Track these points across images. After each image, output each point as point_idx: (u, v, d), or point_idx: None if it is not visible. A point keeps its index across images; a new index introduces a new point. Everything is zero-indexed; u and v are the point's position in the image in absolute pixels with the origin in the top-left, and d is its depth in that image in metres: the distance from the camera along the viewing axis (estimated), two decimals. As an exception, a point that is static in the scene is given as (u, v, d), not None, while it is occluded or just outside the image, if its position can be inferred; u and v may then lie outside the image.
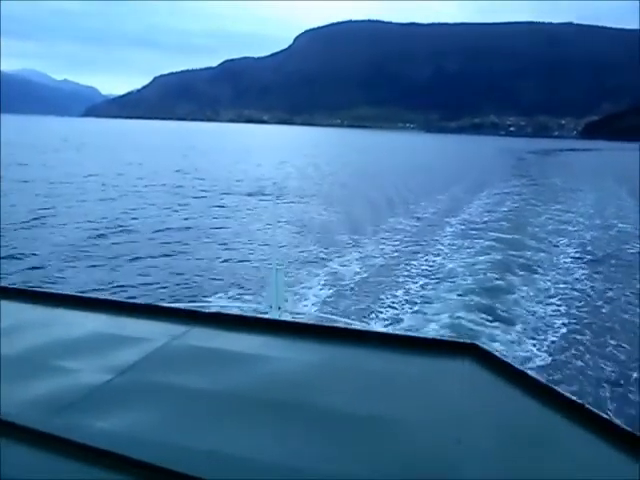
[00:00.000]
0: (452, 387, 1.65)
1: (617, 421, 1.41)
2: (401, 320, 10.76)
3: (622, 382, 8.66)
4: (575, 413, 1.48)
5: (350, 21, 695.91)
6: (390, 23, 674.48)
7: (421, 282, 13.91)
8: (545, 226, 23.93)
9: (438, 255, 17.47)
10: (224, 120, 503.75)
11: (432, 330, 9.91)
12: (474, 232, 21.74)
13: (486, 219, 25.50)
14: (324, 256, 16.47)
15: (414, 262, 16.12)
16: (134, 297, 11.47)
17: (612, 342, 10.52)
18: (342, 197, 31.60)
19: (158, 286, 13.20)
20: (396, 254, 17.30)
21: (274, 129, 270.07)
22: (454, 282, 14.03)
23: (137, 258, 16.05)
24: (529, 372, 1.69)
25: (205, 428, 1.42)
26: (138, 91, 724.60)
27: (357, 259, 16.29)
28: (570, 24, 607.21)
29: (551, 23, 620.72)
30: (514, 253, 18.01)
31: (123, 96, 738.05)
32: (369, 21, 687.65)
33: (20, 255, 15.77)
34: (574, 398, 1.53)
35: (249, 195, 30.93)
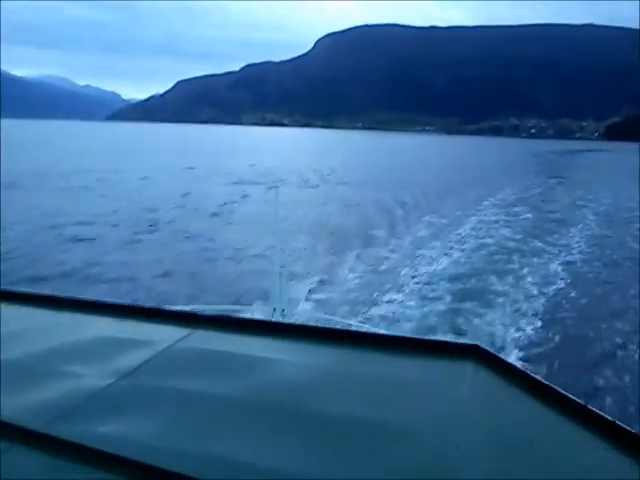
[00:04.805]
0: (454, 389, 1.65)
1: (621, 423, 1.41)
2: (405, 321, 10.89)
3: (627, 380, 8.55)
4: (579, 415, 1.48)
5: (370, 25, 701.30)
6: (410, 27, 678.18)
7: (425, 282, 13.78)
8: (568, 203, 30.07)
9: (445, 255, 17.21)
10: (246, 124, 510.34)
11: (435, 331, 10.20)
12: (504, 209, 26.96)
13: (514, 198, 31.57)
14: (329, 258, 16.34)
15: (420, 264, 15.84)
16: (136, 300, 11.26)
17: (618, 335, 10.51)
18: (366, 194, 31.48)
19: (160, 289, 13.19)
20: (402, 256, 16.87)
21: (301, 132, 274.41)
22: (460, 281, 14.13)
23: (138, 260, 15.90)
24: (532, 374, 1.68)
25: (208, 432, 1.43)
26: (161, 96, 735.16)
27: (363, 260, 16.08)
28: (590, 25, 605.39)
29: (571, 25, 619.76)
30: (541, 217, 24.30)
31: (146, 100, 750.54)
32: (389, 25, 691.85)
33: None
34: (578, 400, 1.53)
35: (253, 196, 30.03)
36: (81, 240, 18.08)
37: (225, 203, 27.16)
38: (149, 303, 11.67)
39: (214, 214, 24.26)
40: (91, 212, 23.07)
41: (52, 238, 18.21)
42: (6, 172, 34.55)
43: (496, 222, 22.11)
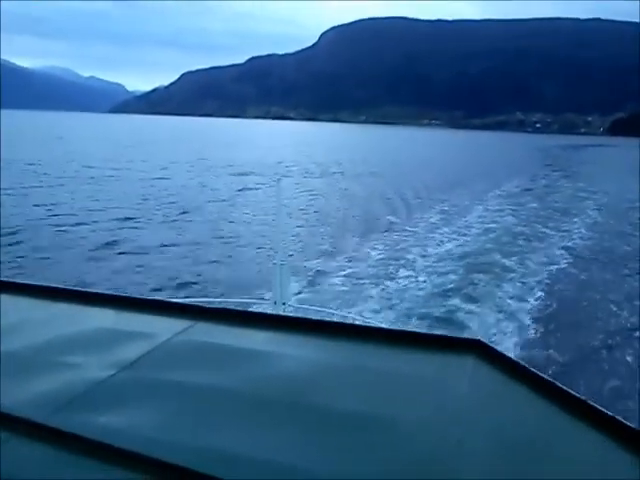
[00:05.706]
0: (455, 384, 1.65)
1: (621, 418, 1.41)
2: (406, 316, 10.91)
3: (628, 375, 8.55)
4: (579, 410, 1.48)
5: (376, 18, 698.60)
6: (416, 20, 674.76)
7: (430, 277, 13.59)
8: (571, 193, 31.25)
9: (450, 241, 17.52)
10: (250, 117, 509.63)
11: (437, 326, 10.28)
12: (509, 199, 28.18)
13: (519, 190, 32.73)
14: (331, 250, 16.38)
15: (422, 256, 15.75)
16: (138, 292, 10.95)
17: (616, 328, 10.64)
18: (374, 187, 31.92)
19: (162, 281, 13.30)
20: (405, 248, 16.79)
21: (306, 126, 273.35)
22: (469, 260, 14.52)
23: (139, 253, 15.99)
24: (532, 369, 1.68)
25: (209, 424, 1.43)
26: (165, 88, 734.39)
27: (365, 253, 16.09)
28: (596, 20, 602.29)
29: (577, 19, 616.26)
30: (544, 207, 25.51)
31: (150, 92, 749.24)
32: (395, 18, 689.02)
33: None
34: (578, 395, 1.53)
35: (256, 188, 30.01)
36: (108, 223, 19.47)
37: (236, 194, 27.97)
38: (152, 289, 12.41)
39: (225, 204, 24.92)
40: (120, 200, 24.37)
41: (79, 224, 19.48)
42: (24, 164, 35.86)
43: (502, 210, 23.39)
